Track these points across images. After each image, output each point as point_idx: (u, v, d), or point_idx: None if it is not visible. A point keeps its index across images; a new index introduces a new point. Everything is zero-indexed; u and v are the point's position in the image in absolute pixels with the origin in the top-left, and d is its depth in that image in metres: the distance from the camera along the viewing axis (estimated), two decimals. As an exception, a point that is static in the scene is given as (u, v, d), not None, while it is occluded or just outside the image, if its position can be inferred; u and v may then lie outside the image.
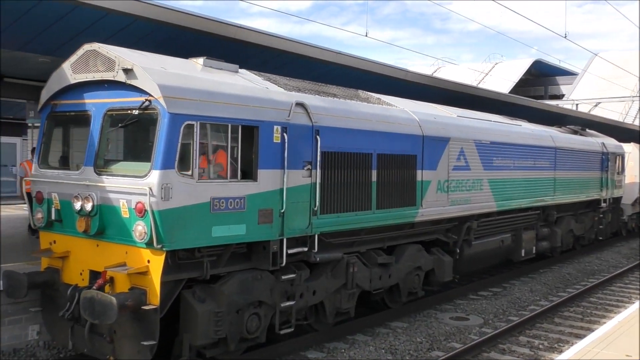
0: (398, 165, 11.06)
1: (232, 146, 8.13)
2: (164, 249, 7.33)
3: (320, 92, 10.29)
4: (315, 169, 9.24)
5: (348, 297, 10.36)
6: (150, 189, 7.22)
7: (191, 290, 8.09)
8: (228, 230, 8.00)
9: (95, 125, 8.07)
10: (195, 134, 7.57)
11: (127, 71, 7.53)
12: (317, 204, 9.27)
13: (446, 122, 12.78)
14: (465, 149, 13.09)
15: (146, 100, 7.46)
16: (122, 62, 7.58)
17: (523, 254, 16.29)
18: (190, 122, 7.51)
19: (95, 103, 8.12)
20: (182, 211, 7.44)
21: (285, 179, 8.69)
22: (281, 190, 8.68)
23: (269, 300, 8.87)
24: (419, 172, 11.61)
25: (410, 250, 11.85)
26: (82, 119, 8.29)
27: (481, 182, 13.64)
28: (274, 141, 8.60)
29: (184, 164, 7.57)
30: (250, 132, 8.33)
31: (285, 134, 8.69)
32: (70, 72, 8.24)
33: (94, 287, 7.76)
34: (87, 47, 8.01)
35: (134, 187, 7.37)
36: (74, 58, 8.19)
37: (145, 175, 7.34)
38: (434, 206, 12.07)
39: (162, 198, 7.24)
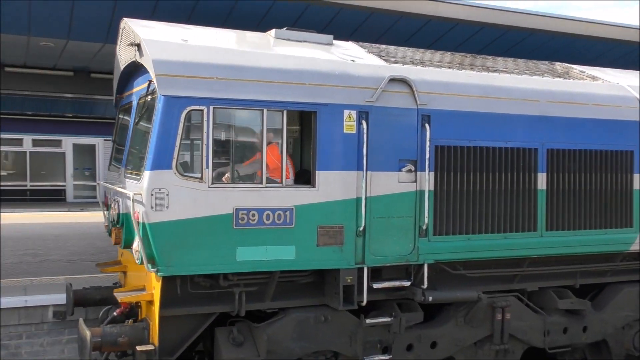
0: (593, 166, 7.44)
1: (273, 140, 6.02)
2: (159, 274, 5.60)
3: (468, 65, 7.38)
4: (424, 170, 6.49)
5: (496, 354, 7.21)
6: (141, 195, 5.57)
7: (228, 328, 6.19)
8: (264, 252, 5.89)
9: (132, 117, 6.76)
10: (206, 122, 5.67)
11: (138, 47, 6.03)
12: (427, 220, 6.49)
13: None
14: None
15: (150, 82, 5.85)
16: (135, 38, 6.09)
17: None
18: (196, 107, 5.64)
19: (136, 92, 6.81)
20: (185, 225, 5.60)
21: (364, 185, 6.20)
22: (359, 199, 6.21)
23: (347, 352, 6.46)
24: (637, 176, 7.72)
25: (628, 292, 7.97)
26: (130, 111, 7.07)
27: None
28: (345, 131, 6.18)
29: (189, 163, 5.75)
30: (305, 120, 6.11)
31: (364, 121, 6.21)
32: (120, 57, 7.10)
33: (115, 314, 6.45)
34: (122, 24, 6.75)
35: (132, 193, 5.81)
36: (119, 40, 7.01)
37: (141, 178, 5.72)
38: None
39: (152, 207, 5.51)
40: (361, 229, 6.21)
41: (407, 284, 6.57)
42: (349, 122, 6.19)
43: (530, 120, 7.06)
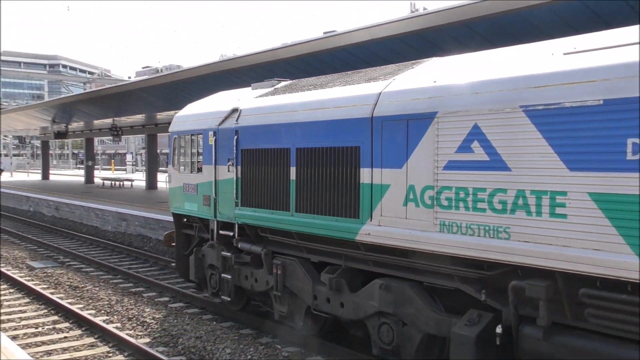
0: (327, 161, 8.64)
1: (193, 149, 11.79)
2: (171, 210, 12.66)
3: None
4: (234, 164, 10.47)
5: (279, 300, 9.79)
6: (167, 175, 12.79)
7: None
8: (190, 206, 11.85)
9: None
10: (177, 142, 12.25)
11: (195, 108, 12.98)
12: (236, 196, 10.43)
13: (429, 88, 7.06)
14: (486, 127, 6.62)
15: None
16: None
17: None
18: (176, 136, 12.31)
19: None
20: (175, 189, 12.43)
21: (214, 173, 11.01)
22: (213, 182, 11.07)
23: (218, 266, 11.29)
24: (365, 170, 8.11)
25: (376, 284, 8.19)
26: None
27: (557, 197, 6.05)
28: (209, 143, 11.16)
29: (174, 162, 12.40)
30: (197, 138, 11.56)
31: (215, 137, 10.98)
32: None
33: None
34: (226, 94, 13.46)
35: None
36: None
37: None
38: (395, 226, 7.64)
39: (169, 181, 12.67)
40: (215, 198, 11.03)
41: (230, 234, 10.65)
42: (211, 138, 11.13)
43: (285, 127, 9.37)
